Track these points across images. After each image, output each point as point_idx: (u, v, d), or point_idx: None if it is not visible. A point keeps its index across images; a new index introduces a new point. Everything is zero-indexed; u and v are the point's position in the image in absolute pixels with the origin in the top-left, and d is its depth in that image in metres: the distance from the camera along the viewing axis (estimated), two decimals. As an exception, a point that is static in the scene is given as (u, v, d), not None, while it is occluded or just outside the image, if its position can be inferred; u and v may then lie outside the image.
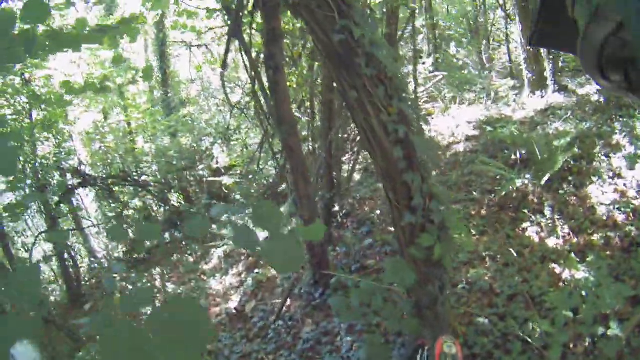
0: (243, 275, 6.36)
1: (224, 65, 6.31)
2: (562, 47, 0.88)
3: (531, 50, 7.95)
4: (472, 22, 11.59)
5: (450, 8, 12.31)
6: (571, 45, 0.68)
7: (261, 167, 8.42)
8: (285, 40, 6.26)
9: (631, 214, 4.14)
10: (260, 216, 1.41)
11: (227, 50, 5.70)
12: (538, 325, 3.34)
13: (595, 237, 4.17)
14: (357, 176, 7.60)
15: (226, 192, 9.31)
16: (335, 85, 5.42)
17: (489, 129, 6.67)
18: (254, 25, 5.66)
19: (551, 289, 3.79)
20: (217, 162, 10.07)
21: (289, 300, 5.09)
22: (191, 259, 7.89)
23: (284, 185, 7.46)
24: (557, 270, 4.05)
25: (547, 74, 7.81)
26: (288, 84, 6.02)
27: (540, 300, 3.74)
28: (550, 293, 3.68)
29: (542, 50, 7.92)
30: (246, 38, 5.72)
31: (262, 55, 6.25)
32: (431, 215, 2.91)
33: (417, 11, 9.47)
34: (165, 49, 11.71)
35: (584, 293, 3.36)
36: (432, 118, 8.86)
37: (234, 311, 5.45)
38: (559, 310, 3.27)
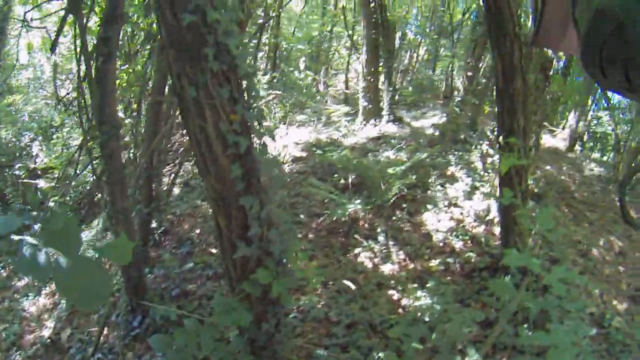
0: (57, 295, 5.30)
1: (54, 44, 5.23)
2: (563, 47, 0.89)
3: (371, 80, 8.15)
4: (313, 47, 11.86)
5: (296, 31, 12.49)
6: (572, 45, 0.70)
7: (79, 172, 7.29)
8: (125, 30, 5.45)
9: (469, 241, 4.32)
10: (54, 232, 1.16)
11: (61, 28, 4.70)
12: (385, 356, 3.17)
13: (433, 262, 4.25)
14: (176, 190, 6.95)
15: (41, 197, 7.88)
16: (167, 86, 4.85)
17: (318, 151, 6.58)
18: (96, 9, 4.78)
19: (392, 317, 3.70)
20: (35, 162, 8.68)
21: (106, 329, 4.41)
22: (4, 273, 6.40)
23: (100, 195, 6.51)
24: (396, 297, 4.01)
25: (384, 104, 8.09)
26: (118, 82, 5.21)
27: (382, 328, 3.62)
28: (391, 320, 3.58)
29: (381, 81, 8.22)
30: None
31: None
32: (269, 247, 2.51)
33: (263, 28, 9.29)
34: (5, 25, 9.70)
35: (427, 319, 3.29)
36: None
37: (49, 340, 4.60)
38: (406, 339, 3.14)
